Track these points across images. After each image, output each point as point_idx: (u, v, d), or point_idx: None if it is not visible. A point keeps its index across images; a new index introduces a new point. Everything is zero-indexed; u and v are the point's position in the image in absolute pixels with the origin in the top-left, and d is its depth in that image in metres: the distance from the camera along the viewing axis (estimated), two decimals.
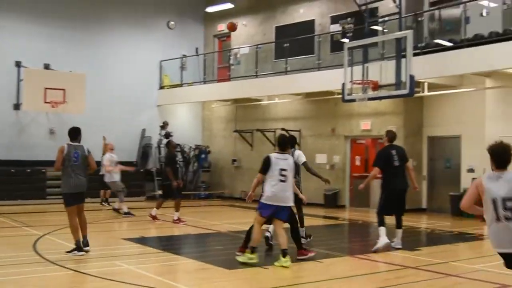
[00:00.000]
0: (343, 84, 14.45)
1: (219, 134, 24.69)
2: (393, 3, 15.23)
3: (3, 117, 20.88)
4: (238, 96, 22.37)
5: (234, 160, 23.48)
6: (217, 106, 24.46)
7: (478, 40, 14.99)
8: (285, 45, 20.64)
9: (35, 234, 12.49)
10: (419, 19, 16.93)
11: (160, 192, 18.06)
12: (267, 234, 11.02)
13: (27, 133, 21.36)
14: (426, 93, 16.70)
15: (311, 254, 9.88)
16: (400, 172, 11.04)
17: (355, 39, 16.33)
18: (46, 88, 19.47)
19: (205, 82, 23.99)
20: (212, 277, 8.53)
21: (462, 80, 17.35)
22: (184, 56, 24.68)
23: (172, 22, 25.13)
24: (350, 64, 14.69)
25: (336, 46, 19.43)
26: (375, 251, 10.56)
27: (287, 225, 9.77)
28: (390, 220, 11.10)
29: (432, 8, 17.40)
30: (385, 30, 16.95)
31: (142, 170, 22.75)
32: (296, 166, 10.62)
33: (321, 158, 20.62)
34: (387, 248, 10.67)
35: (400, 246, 10.94)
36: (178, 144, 23.51)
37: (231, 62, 23.59)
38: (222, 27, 25.48)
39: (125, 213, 16.40)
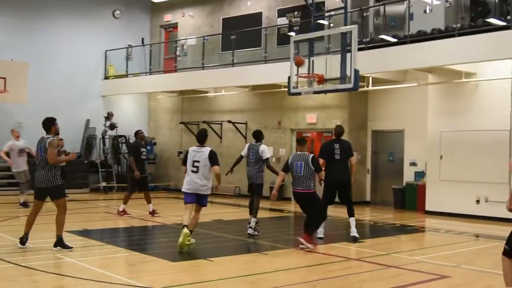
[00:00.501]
0: (289, 77, 14.49)
1: (165, 126, 24.50)
2: None
3: None
4: (185, 87, 22.24)
5: (180, 152, 23.35)
6: (163, 97, 24.25)
7: (421, 37, 15.29)
8: (232, 37, 20.59)
9: None
10: (365, 14, 17.15)
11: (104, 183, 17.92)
12: (249, 231, 11.77)
13: None
14: (370, 87, 16.97)
15: (310, 246, 10.16)
16: (341, 165, 11.27)
17: (302, 33, 16.41)
18: None
19: (151, 73, 23.74)
20: (156, 270, 8.47)
21: (405, 76, 17.70)
22: (130, 46, 24.35)
23: (118, 12, 24.76)
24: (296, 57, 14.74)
25: (283, 39, 19.52)
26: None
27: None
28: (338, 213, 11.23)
29: (377, 4, 17.64)
30: (331, 25, 17.11)
31: (86, 162, 22.39)
32: (260, 158, 12.10)
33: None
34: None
35: (355, 235, 11.07)
36: (123, 135, 23.25)
37: (177, 53, 23.40)
38: (169, 17, 25.29)
39: (21, 204, 16.03)
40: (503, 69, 15.10)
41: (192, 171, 10.18)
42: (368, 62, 15.11)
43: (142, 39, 25.21)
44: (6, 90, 18.94)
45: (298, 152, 10.52)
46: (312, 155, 10.57)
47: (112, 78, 24.36)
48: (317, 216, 10.58)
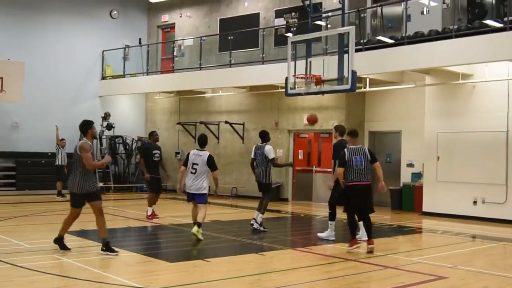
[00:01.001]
0: (286, 78, 14.50)
1: (162, 126, 24.49)
2: None
3: None
4: (182, 88, 22.23)
5: (177, 153, 23.34)
6: (160, 97, 24.23)
7: (419, 38, 15.31)
8: (230, 37, 20.60)
9: None
10: (362, 15, 17.16)
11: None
12: (255, 225, 12.43)
13: None
14: (368, 88, 16.98)
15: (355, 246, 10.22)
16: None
17: (299, 34, 16.42)
18: None
19: (148, 73, 23.72)
20: (154, 270, 8.48)
21: (402, 77, 17.72)
22: (127, 46, 24.36)
23: (115, 12, 24.75)
24: (294, 58, 14.74)
25: (280, 40, 19.54)
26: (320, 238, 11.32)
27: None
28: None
29: (375, 5, 17.65)
30: (328, 26, 17.14)
31: None
32: (266, 158, 12.60)
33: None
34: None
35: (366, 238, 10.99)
36: (120, 136, 23.25)
37: (175, 53, 23.41)
38: (166, 17, 25.29)
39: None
40: (500, 71, 15.15)
41: (191, 173, 11.17)
42: (365, 63, 15.14)
43: (139, 39, 25.21)
44: (3, 90, 18.92)
45: (351, 146, 10.35)
46: (367, 147, 10.79)
47: (109, 78, 24.34)
48: (371, 210, 10.61)
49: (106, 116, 22.50)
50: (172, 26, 25.24)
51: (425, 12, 16.01)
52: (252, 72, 19.29)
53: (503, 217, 14.98)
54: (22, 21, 22.05)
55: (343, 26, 14.23)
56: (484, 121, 15.55)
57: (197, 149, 11.40)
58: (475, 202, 15.55)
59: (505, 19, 13.94)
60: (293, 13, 20.63)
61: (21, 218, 14.35)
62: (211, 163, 11.13)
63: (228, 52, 20.56)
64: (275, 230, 13.57)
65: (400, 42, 15.76)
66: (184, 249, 10.60)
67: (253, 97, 21.16)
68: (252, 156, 12.98)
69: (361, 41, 16.31)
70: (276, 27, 20.91)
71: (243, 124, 21.55)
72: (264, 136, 12.89)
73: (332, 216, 11.44)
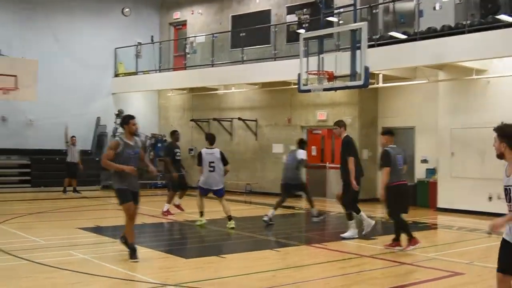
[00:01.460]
0: (299, 74, 14.50)
1: (175, 123, 24.54)
2: None
3: None
4: (194, 85, 22.27)
5: (190, 150, 23.40)
6: (173, 94, 24.28)
7: (431, 33, 15.26)
8: (241, 34, 20.61)
9: None
10: (374, 11, 17.12)
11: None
12: (265, 218, 12.90)
13: None
14: (380, 84, 16.93)
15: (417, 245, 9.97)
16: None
17: (311, 30, 16.42)
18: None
19: (160, 70, 23.80)
20: (170, 266, 8.54)
21: (415, 73, 17.63)
22: (140, 43, 24.42)
23: (127, 9, 24.83)
24: (306, 54, 14.75)
25: (292, 37, 19.52)
26: (365, 235, 11.09)
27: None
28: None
29: (387, 1, 17.61)
30: (340, 22, 17.09)
31: (97, 159, 22.47)
32: (298, 162, 13.77)
33: (277, 148, 20.75)
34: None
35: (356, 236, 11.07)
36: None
37: (187, 50, 23.46)
38: (178, 15, 25.33)
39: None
40: None
41: (210, 171, 12.14)
42: (378, 59, 15.09)
43: (152, 36, 25.27)
44: (17, 88, 19.02)
45: (390, 145, 10.14)
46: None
47: (122, 76, 24.44)
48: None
49: (119, 114, 22.56)
50: (183, 23, 25.28)
51: (437, 8, 15.94)
52: (265, 68, 19.29)
53: None
54: (35, 19, 22.19)
55: (355, 22, 14.22)
56: (498, 116, 15.39)
57: (207, 147, 12.34)
58: (490, 198, 15.46)
59: None
60: (304, 9, 20.59)
61: (37, 214, 14.47)
62: (224, 158, 12.29)
63: (240, 49, 20.57)
64: (289, 226, 13.60)
65: (412, 37, 15.71)
66: (199, 245, 10.66)
67: (266, 93, 21.15)
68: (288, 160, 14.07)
69: (374, 37, 16.27)
70: (288, 24, 20.89)
71: (256, 121, 21.56)
72: (301, 143, 14.32)
73: (351, 215, 11.22)
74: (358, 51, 13.25)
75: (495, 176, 15.31)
